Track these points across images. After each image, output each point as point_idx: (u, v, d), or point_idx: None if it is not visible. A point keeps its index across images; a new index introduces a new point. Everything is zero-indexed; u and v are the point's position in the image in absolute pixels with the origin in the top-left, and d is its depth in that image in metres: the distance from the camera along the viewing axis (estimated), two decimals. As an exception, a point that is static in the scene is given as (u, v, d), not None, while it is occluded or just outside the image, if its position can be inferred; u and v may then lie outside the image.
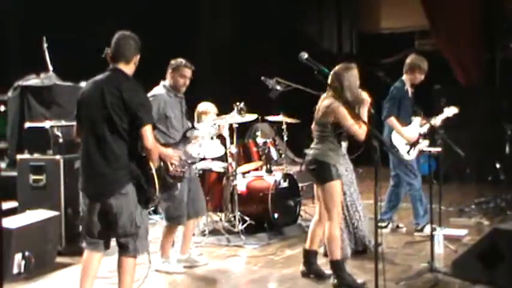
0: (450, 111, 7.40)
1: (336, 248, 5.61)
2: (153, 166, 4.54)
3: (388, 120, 7.38)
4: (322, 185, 5.66)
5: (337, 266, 5.63)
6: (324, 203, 5.68)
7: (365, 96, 6.14)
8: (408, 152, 7.33)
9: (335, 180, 5.61)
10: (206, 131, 6.86)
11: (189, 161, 6.12)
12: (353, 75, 5.65)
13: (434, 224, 6.39)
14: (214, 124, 6.80)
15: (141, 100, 4.51)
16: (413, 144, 7.30)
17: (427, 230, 7.00)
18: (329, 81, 5.57)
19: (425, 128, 7.37)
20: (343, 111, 5.53)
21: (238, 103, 7.05)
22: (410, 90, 7.50)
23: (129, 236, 4.59)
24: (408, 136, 7.34)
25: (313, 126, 5.81)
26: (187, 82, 6.14)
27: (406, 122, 7.40)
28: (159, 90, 6.11)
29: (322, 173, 5.65)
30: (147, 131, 4.44)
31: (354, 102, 5.61)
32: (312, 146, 5.78)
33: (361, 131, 5.48)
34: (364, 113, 5.73)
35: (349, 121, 5.53)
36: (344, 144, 6.46)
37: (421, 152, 7.33)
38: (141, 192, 4.53)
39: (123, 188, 4.49)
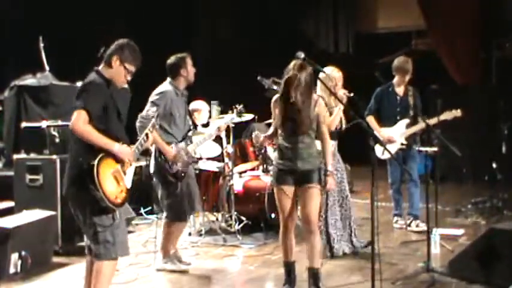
0: (451, 114, 7.34)
1: (284, 251, 5.41)
2: (97, 169, 4.22)
3: (366, 118, 7.58)
4: None
5: (286, 265, 5.46)
6: None
7: (341, 92, 6.21)
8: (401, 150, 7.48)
9: (276, 185, 5.30)
10: (208, 132, 6.89)
11: (190, 160, 6.17)
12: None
13: (432, 223, 6.39)
14: (218, 128, 6.82)
15: (84, 87, 4.36)
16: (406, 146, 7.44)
17: (394, 219, 7.98)
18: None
19: (411, 131, 7.47)
20: (275, 106, 5.30)
21: (237, 105, 7.04)
22: (399, 91, 7.66)
23: (90, 240, 4.46)
24: (383, 136, 7.47)
25: None
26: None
27: (387, 122, 7.58)
28: (166, 87, 6.11)
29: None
30: (77, 115, 4.21)
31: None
32: None
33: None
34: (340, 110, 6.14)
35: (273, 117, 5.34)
36: (334, 143, 6.46)
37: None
38: (89, 195, 4.26)
39: (76, 189, 4.35)
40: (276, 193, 5.33)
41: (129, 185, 4.51)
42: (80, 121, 4.22)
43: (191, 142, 6.26)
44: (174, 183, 5.99)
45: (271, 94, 7.30)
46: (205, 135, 6.67)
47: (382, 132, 7.52)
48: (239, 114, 7.06)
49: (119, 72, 4.51)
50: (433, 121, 7.05)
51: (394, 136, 7.52)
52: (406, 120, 7.54)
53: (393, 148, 7.45)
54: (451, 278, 5.70)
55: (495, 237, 5.51)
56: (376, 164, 4.62)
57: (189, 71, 6.17)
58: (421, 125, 7.33)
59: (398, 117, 7.60)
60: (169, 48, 6.41)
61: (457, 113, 7.34)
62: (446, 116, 7.29)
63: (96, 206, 4.30)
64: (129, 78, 4.58)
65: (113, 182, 4.35)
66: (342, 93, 6.30)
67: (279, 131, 5.32)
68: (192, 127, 6.42)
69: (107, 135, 4.34)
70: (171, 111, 6.02)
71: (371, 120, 7.61)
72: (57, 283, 5.97)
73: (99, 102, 4.33)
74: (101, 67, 4.52)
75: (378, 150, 7.22)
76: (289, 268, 5.45)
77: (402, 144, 7.47)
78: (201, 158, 7.80)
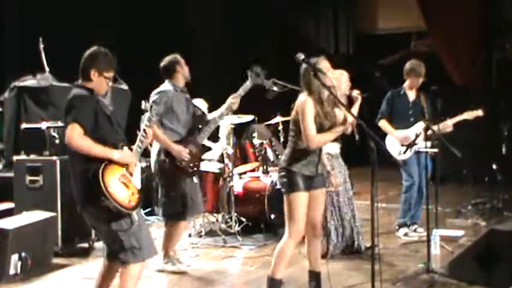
0: (472, 114, 7.25)
1: (279, 266, 5.17)
2: (103, 179, 4.22)
3: (379, 122, 7.47)
4: (284, 194, 5.11)
5: (271, 284, 5.21)
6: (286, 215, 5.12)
7: (355, 93, 6.11)
8: (405, 152, 7.35)
9: (297, 192, 5.01)
10: (219, 112, 6.75)
11: (201, 152, 6.15)
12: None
13: (432, 224, 6.38)
14: (231, 103, 6.66)
15: (71, 102, 4.36)
16: (408, 145, 7.31)
17: (401, 232, 7.51)
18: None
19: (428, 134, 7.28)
20: (307, 109, 4.95)
21: (253, 67, 6.78)
22: (411, 94, 7.52)
23: (116, 249, 4.44)
24: (399, 137, 7.38)
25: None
26: None
27: (401, 124, 7.44)
28: (165, 86, 6.18)
29: (284, 181, 5.09)
30: (71, 129, 4.24)
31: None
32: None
33: (314, 137, 4.92)
34: (355, 111, 5.77)
35: (306, 121, 4.93)
36: (337, 145, 6.46)
37: (415, 153, 7.33)
38: (102, 206, 4.27)
39: (88, 204, 4.36)
40: (297, 199, 5.00)
41: (139, 186, 4.52)
42: (75, 134, 4.24)
43: (200, 132, 6.23)
44: (175, 183, 5.98)
45: (271, 95, 7.32)
46: (216, 117, 6.36)
47: (396, 134, 7.38)
48: (257, 75, 6.82)
49: (100, 83, 4.53)
50: (454, 121, 7.08)
51: (411, 136, 7.33)
52: (422, 124, 7.19)
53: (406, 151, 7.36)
54: (451, 279, 5.71)
55: (495, 239, 5.51)
56: (376, 164, 4.60)
57: (184, 67, 6.23)
58: (437, 127, 6.97)
59: (412, 120, 7.40)
60: (167, 49, 6.44)
61: (479, 112, 7.26)
62: (468, 115, 7.24)
63: (111, 213, 4.30)
64: (110, 84, 4.61)
65: (122, 187, 4.34)
66: (356, 93, 6.16)
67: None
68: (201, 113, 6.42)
69: (103, 142, 4.33)
70: (172, 107, 6.05)
71: (384, 123, 7.46)
72: (57, 284, 5.98)
73: (90, 113, 4.34)
74: (80, 82, 4.54)
75: (395, 150, 7.21)
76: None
77: (403, 145, 7.38)
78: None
